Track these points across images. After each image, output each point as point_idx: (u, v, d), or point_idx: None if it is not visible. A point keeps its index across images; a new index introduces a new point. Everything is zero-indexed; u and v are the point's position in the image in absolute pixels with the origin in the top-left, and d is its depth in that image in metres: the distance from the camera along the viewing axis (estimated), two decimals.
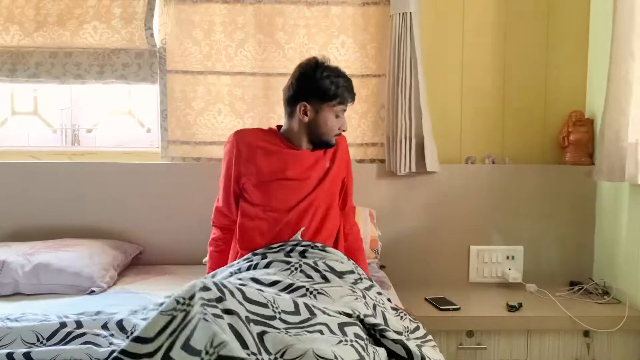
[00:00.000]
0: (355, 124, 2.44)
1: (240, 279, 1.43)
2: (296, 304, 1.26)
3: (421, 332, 1.47)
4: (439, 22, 2.44)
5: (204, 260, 2.13)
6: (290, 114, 1.77)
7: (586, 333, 2.04)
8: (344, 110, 1.76)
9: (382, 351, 1.24)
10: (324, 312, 1.28)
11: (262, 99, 2.42)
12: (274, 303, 1.23)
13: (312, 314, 1.26)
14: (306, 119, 1.73)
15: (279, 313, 1.21)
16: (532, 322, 2.03)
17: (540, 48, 2.46)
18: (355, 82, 2.38)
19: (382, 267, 2.30)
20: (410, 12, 2.27)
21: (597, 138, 2.21)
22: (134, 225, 2.37)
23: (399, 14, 2.28)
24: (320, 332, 1.19)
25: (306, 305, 1.28)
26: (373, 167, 2.42)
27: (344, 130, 1.79)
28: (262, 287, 1.37)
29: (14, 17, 2.34)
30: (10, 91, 2.57)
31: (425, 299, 2.18)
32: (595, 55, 2.41)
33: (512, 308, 2.06)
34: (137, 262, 2.35)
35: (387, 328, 1.30)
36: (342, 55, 2.41)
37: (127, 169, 2.37)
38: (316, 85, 1.70)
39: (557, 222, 2.42)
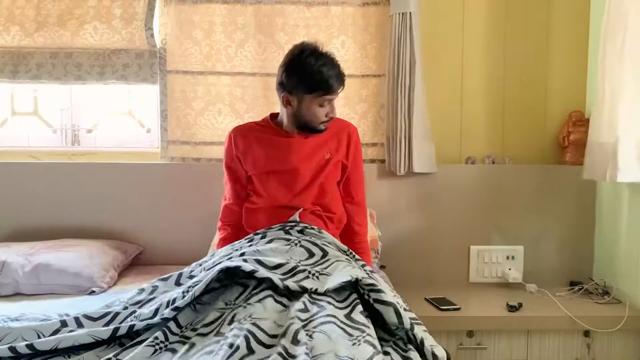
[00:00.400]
0: (355, 124, 2.40)
1: (245, 261, 1.41)
2: (305, 304, 1.28)
3: (414, 315, 1.41)
4: (438, 22, 2.44)
5: None
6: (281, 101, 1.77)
7: (586, 333, 2.04)
8: (331, 99, 1.71)
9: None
10: (329, 303, 1.30)
11: (262, 99, 2.42)
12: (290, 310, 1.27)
13: (321, 307, 1.28)
14: (290, 109, 1.72)
15: (294, 317, 1.24)
16: (532, 322, 2.03)
17: (540, 48, 2.46)
18: (356, 82, 2.42)
19: (382, 267, 2.30)
20: (410, 12, 2.27)
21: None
22: (134, 225, 2.36)
23: (399, 14, 2.28)
24: (334, 323, 1.21)
25: (311, 302, 1.30)
26: (373, 167, 2.42)
27: (332, 117, 1.75)
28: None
29: (15, 18, 2.34)
30: (10, 91, 2.57)
31: (425, 299, 2.18)
32: (595, 56, 2.40)
33: (512, 308, 2.06)
34: (137, 262, 2.35)
35: (382, 290, 1.30)
36: (342, 55, 2.40)
37: (127, 169, 2.37)
38: (297, 76, 1.67)
39: (557, 222, 2.42)
